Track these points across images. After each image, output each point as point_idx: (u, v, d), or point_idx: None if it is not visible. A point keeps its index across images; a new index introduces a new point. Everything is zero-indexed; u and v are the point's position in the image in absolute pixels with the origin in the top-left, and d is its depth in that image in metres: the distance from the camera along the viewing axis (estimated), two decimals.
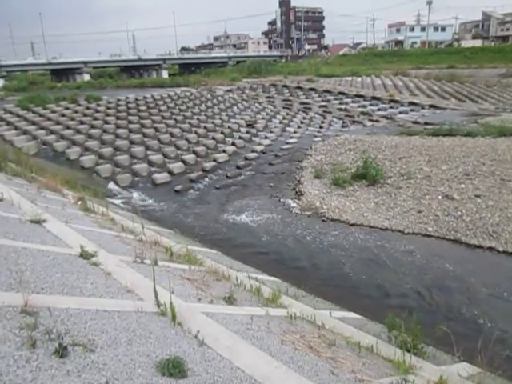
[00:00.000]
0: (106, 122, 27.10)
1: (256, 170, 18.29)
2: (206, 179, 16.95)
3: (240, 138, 24.03)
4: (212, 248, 8.64)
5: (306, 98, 40.94)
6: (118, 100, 36.67)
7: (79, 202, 8.78)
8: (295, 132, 26.34)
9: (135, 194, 15.14)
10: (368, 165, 15.18)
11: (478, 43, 72.13)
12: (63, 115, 29.25)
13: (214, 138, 23.43)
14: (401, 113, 32.49)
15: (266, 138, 24.41)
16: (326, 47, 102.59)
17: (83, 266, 4.47)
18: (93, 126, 25.89)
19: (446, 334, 4.60)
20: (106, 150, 20.13)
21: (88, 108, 32.19)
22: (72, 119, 27.85)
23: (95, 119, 27.95)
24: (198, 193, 15.39)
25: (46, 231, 5.63)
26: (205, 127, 26.27)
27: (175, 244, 6.67)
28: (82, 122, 26.77)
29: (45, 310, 3.19)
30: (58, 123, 26.73)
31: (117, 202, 13.72)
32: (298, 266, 9.58)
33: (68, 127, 25.56)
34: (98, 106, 33.32)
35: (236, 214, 13.01)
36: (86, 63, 63.70)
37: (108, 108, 32.59)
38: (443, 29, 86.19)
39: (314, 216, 12.80)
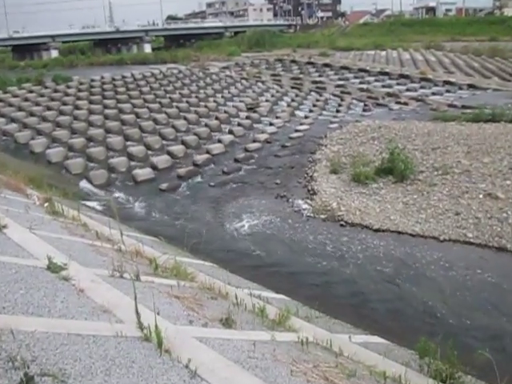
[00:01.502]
0: (77, 108, 27.22)
1: (259, 163, 18.32)
2: (198, 176, 17.00)
3: (239, 124, 24.08)
4: (205, 260, 8.65)
5: (320, 75, 40.95)
6: (92, 80, 36.81)
7: (46, 204, 8.81)
8: (306, 117, 26.38)
9: (112, 194, 15.20)
10: (395, 157, 15.16)
11: None
12: (26, 100, 29.40)
13: (207, 126, 23.49)
14: (434, 94, 32.46)
15: (271, 124, 24.46)
16: (342, 14, 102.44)
17: (51, 281, 4.49)
18: (61, 113, 26.01)
19: (487, 362, 4.61)
20: (77, 141, 20.21)
21: (56, 91, 32.35)
22: (37, 104, 28.00)
23: (64, 104, 28.08)
24: (189, 192, 15.43)
25: (7, 239, 5.65)
26: (196, 112, 26.35)
27: (161, 255, 6.68)
28: (48, 108, 26.89)
29: (7, 334, 3.20)
30: (20, 109, 26.87)
31: (90, 203, 13.77)
32: (311, 281, 9.58)
33: (32, 114, 25.70)
34: (68, 88, 33.47)
35: (235, 219, 13.04)
36: (53, 37, 63.91)
37: (79, 90, 32.73)
38: None
39: (330, 220, 12.80)
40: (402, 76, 38.76)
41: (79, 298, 4.26)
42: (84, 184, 15.94)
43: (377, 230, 11.98)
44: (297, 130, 23.13)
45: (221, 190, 15.50)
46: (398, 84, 36.38)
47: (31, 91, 32.36)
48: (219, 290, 5.91)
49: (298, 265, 10.31)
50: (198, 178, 16.77)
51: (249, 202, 14.36)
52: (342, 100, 31.29)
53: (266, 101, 30.53)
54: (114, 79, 37.70)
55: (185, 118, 24.84)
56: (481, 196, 13.24)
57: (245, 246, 11.34)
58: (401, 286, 9.31)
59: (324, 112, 28.15)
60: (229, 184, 16.09)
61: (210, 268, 8.18)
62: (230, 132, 22.69)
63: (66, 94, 31.13)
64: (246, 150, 19.85)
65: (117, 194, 15.20)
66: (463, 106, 26.81)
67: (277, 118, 25.94)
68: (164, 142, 20.70)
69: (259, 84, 37.18)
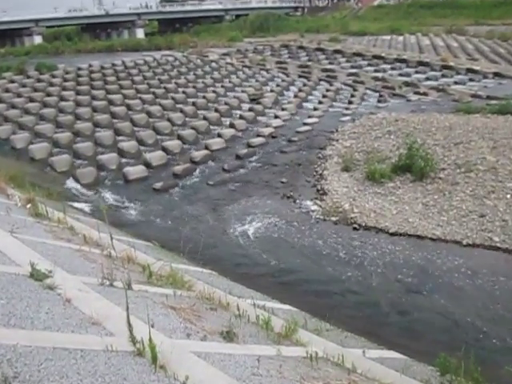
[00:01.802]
0: (63, 99, 27.29)
1: (263, 160, 18.33)
2: (196, 173, 17.03)
3: (241, 117, 24.10)
4: (204, 267, 8.66)
5: (330, 63, 40.93)
6: (79, 69, 36.92)
7: (28, 206, 8.83)
8: (315, 109, 26.37)
9: (101, 195, 15.23)
10: (414, 153, 15.14)
11: None
12: (7, 90, 29.49)
13: (205, 119, 23.51)
14: (456, 83, 32.37)
15: (277, 117, 24.46)
16: None
17: (35, 290, 4.50)
18: (45, 105, 26.08)
19: None
20: (63, 136, 20.26)
21: (39, 80, 32.43)
22: (19, 96, 28.08)
23: (49, 95, 28.16)
24: (185, 192, 15.44)
25: None
26: (193, 104, 26.39)
27: (155, 261, 6.70)
28: (31, 100, 26.97)
29: None
30: (0, 101, 26.94)
31: (77, 204, 13.81)
32: (321, 290, 9.58)
33: (13, 106, 25.78)
34: (53, 77, 33.57)
35: (236, 221, 13.05)
36: (37, 22, 64.04)
37: (65, 80, 32.82)
38: None
39: (342, 222, 12.80)
40: (420, 63, 38.67)
41: (65, 308, 4.27)
42: (70, 183, 15.98)
43: (393, 234, 11.96)
44: (305, 124, 23.08)
45: (221, 190, 15.51)
46: (416, 72, 36.25)
47: (12, 81, 32.45)
48: (219, 300, 5.92)
49: (307, 272, 10.31)
50: (196, 177, 16.79)
51: (252, 202, 14.36)
52: (354, 90, 31.22)
53: (271, 91, 30.52)
54: (103, 68, 37.79)
55: (181, 111, 24.85)
56: (508, 196, 13.18)
57: (248, 251, 11.35)
58: (420, 296, 9.29)
59: (335, 103, 28.10)
60: (230, 183, 16.10)
61: (209, 276, 8.20)
62: (231, 125, 22.70)
63: (51, 84, 31.19)
64: (249, 146, 19.84)
65: (106, 194, 15.22)
66: (488, 97, 26.71)
67: (283, 110, 25.92)
68: (158, 137, 20.71)
69: (263, 72, 37.18)
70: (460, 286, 9.59)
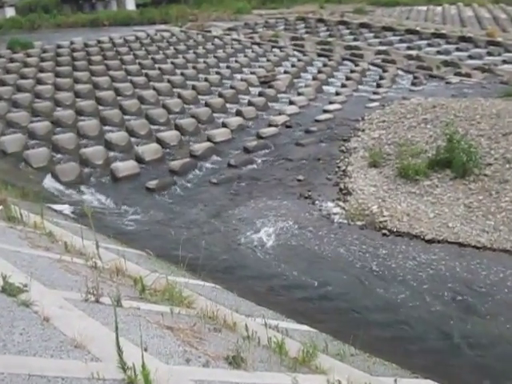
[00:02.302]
0: (40, 82, 27.40)
1: (276, 154, 18.35)
2: (197, 170, 17.07)
3: (250, 103, 24.12)
4: (207, 280, 8.65)
5: (355, 39, 40.87)
6: (59, 47, 37.03)
7: (0, 208, 8.88)
8: (338, 94, 26.35)
9: (86, 195, 15.30)
10: (454, 145, 15.05)
11: None
12: None
13: (208, 105, 23.54)
14: (505, 62, 32.15)
15: (292, 103, 24.46)
16: None
17: (7, 308, 4.51)
18: (19, 89, 26.21)
19: None
20: (40, 126, 20.34)
21: (12, 60, 32.58)
22: None
23: (23, 77, 28.29)
24: (184, 192, 15.48)
25: None
26: (194, 88, 26.46)
27: (149, 273, 6.70)
28: (2, 83, 27.11)
29: None
30: None
31: (57, 206, 13.85)
32: (344, 308, 9.57)
33: None
34: (28, 56, 33.72)
35: (244, 226, 13.06)
36: None
37: (43, 60, 32.94)
38: None
39: (369, 227, 12.79)
40: (462, 39, 38.49)
41: (44, 328, 4.28)
42: (49, 181, 16.04)
43: (430, 241, 11.92)
44: (325, 111, 23.07)
45: (226, 189, 15.53)
46: (457, 50, 36.11)
47: None
48: (224, 319, 5.92)
49: (328, 287, 10.29)
50: (197, 174, 16.82)
51: (263, 204, 14.36)
52: (384, 71, 31.13)
53: (285, 72, 30.50)
54: (86, 45, 37.89)
55: (179, 96, 24.89)
56: None
57: (258, 262, 11.35)
58: (463, 316, 9.23)
59: (361, 87, 28.04)
60: (237, 181, 16.12)
61: (212, 290, 8.20)
62: (238, 113, 22.71)
63: (26, 65, 31.32)
64: (259, 137, 19.86)
65: (91, 195, 15.27)
66: None
67: (299, 94, 25.90)
68: (152, 127, 20.75)
69: (276, 51, 37.16)
70: (510, 304, 9.52)
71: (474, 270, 10.70)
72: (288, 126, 21.23)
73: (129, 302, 5.46)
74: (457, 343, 8.61)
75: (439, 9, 53.20)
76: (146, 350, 4.00)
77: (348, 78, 29.35)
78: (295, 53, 36.62)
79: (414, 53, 34.95)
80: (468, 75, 29.05)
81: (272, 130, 20.53)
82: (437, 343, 8.63)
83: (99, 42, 39.16)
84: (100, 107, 23.22)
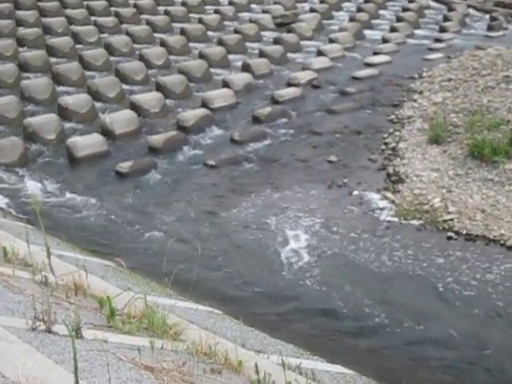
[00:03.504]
0: None
1: (297, 125, 18.32)
2: (186, 148, 17.02)
3: (261, 54, 24.05)
4: (201, 302, 8.67)
5: None
6: None
7: None
8: (385, 40, 26.26)
9: (32, 182, 15.25)
10: None
11: None
12: None
13: (202, 56, 23.45)
14: None
15: (321, 53, 24.37)
16: None
17: None
18: None
19: None
20: None
21: None
22: None
23: None
24: (169, 178, 15.42)
25: None
26: (182, 32, 26.33)
27: (120, 292, 6.70)
28: None
29: None
30: None
31: None
32: (392, 342, 9.55)
33: None
34: None
35: (253, 227, 13.05)
36: None
37: None
38: None
39: (429, 228, 12.75)
40: None
41: None
42: None
43: None
44: (367, 65, 23.06)
45: (228, 175, 15.49)
46: None
47: None
48: (226, 356, 5.91)
49: (369, 313, 10.24)
50: (187, 153, 16.79)
51: (279, 196, 14.34)
52: (450, 9, 30.93)
53: (311, 11, 30.37)
54: None
55: (162, 44, 24.83)
56: None
57: (272, 277, 11.33)
58: None
59: (417, 31, 27.92)
60: (243, 163, 16.10)
61: (208, 317, 8.21)
62: (246, 68, 22.62)
63: None
64: (275, 101, 19.83)
65: (40, 182, 15.22)
66: None
67: (331, 42, 25.82)
68: (125, 87, 20.75)
69: None
70: None
71: None
72: (315, 86, 21.17)
73: (92, 332, 5.45)
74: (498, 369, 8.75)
75: None
76: None
77: (400, 19, 29.17)
78: None
79: None
80: None
81: (292, 91, 20.49)
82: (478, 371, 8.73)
83: None
84: (52, 59, 23.20)
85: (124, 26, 27.13)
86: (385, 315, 10.20)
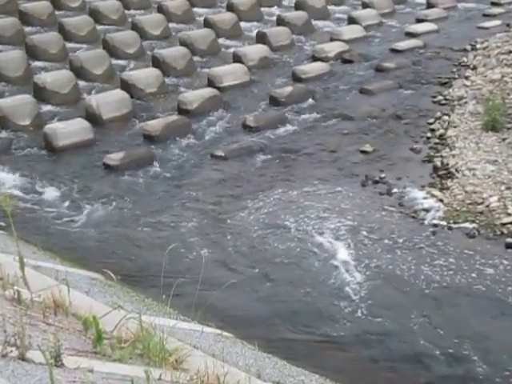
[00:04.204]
0: None
1: (324, 107, 18.37)
2: (190, 135, 17.01)
3: (280, 21, 24.03)
4: (207, 323, 8.68)
5: None
6: None
7: None
8: (431, 5, 26.21)
9: (3, 177, 15.25)
10: None
11: None
12: None
13: (208, 25, 23.43)
14: None
15: (352, 21, 24.32)
16: None
17: None
18: None
19: None
20: None
21: None
22: None
23: None
24: (169, 172, 15.41)
25: None
26: None
27: (109, 310, 6.71)
28: None
29: None
30: None
31: None
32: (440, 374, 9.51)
33: None
34: None
35: (269, 231, 13.04)
36: None
37: None
38: None
39: (484, 233, 12.67)
40: None
41: None
42: None
43: None
44: (409, 34, 23.10)
45: (240, 168, 15.52)
46: None
47: None
48: None
49: (408, 338, 10.21)
50: (191, 141, 16.82)
51: (302, 193, 14.35)
52: None
53: None
54: None
55: (160, 9, 24.87)
56: None
57: (292, 293, 11.31)
58: None
59: None
60: (257, 153, 16.12)
61: (216, 340, 8.23)
62: (261, 38, 22.65)
63: None
64: (297, 79, 19.89)
65: (12, 178, 15.27)
66: None
67: (364, 6, 25.80)
68: (115, 62, 20.79)
69: None
70: None
71: None
72: (346, 61, 21.21)
73: (75, 360, 5.46)
74: None
75: None
76: None
77: None
78: None
79: None
80: None
81: (318, 66, 20.52)
82: None
83: None
84: (26, 29, 23.28)
85: None
86: (414, 341, 10.09)
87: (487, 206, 13.27)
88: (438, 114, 17.31)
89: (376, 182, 14.58)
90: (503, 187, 13.77)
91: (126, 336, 6.33)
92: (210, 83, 19.41)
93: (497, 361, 9.57)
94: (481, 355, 9.63)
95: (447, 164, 14.87)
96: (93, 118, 17.41)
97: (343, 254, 12.41)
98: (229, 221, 13.53)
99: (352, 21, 24.17)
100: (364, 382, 8.99)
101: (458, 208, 13.38)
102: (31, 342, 5.38)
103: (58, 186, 14.86)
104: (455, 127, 16.32)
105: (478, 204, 13.38)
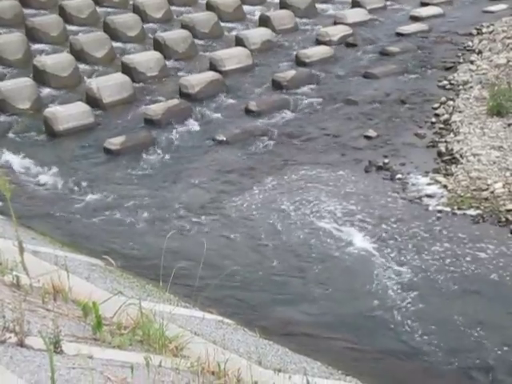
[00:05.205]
0: None
1: (328, 92, 18.36)
2: (191, 120, 17.02)
3: (283, 4, 23.98)
4: (209, 309, 8.67)
5: None
6: None
7: None
8: None
9: (1, 161, 15.22)
10: None
11: None
12: None
13: (211, 8, 23.38)
14: None
15: (356, 4, 24.28)
16: None
17: None
18: None
19: None
20: None
21: None
22: None
23: None
24: (170, 157, 15.40)
25: None
26: None
27: (109, 296, 6.70)
28: None
29: None
30: None
31: None
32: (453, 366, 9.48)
33: None
34: None
35: (271, 217, 13.03)
36: None
37: None
38: None
39: (489, 220, 12.67)
40: None
41: None
42: None
43: None
44: (414, 18, 23.05)
45: (242, 153, 15.52)
46: None
47: None
48: (238, 375, 5.91)
49: (415, 333, 10.18)
50: (192, 126, 16.81)
51: (305, 178, 14.34)
52: None
53: None
54: None
55: None
56: None
57: (292, 277, 11.35)
58: None
59: None
60: (260, 138, 16.09)
61: (216, 327, 8.22)
62: (264, 21, 22.61)
63: None
64: (300, 63, 19.87)
65: (10, 160, 15.20)
66: None
67: None
68: (115, 45, 20.74)
69: None
70: None
71: None
72: (350, 44, 21.19)
73: (74, 346, 5.44)
74: None
75: None
76: None
77: None
78: None
79: None
80: None
81: (322, 50, 20.50)
82: None
83: None
84: (26, 11, 23.23)
85: None
86: (418, 331, 10.06)
87: (492, 192, 13.25)
88: (443, 98, 17.29)
89: (379, 168, 14.56)
90: (508, 173, 13.74)
91: (125, 322, 6.32)
92: (212, 67, 19.39)
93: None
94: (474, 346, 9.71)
95: (452, 149, 14.85)
96: (93, 101, 17.41)
97: (336, 235, 12.45)
98: (228, 204, 13.55)
99: (356, 4, 24.13)
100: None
101: (463, 194, 13.36)
102: (30, 328, 5.37)
103: (57, 171, 14.82)
104: (460, 112, 16.29)
105: (483, 190, 13.35)
